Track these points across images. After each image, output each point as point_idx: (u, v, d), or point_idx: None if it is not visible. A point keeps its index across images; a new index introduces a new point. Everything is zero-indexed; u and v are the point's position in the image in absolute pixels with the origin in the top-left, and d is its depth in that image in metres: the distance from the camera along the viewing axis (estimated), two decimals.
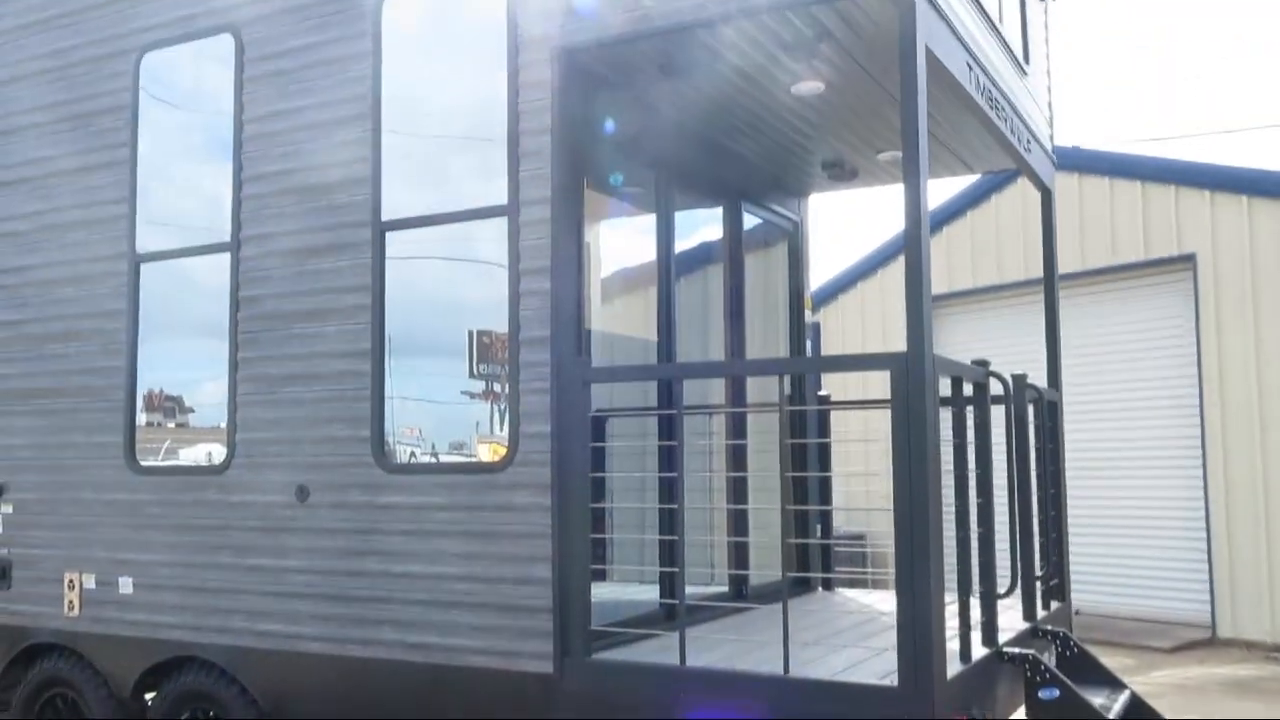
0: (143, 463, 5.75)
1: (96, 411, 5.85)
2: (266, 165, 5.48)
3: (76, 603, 5.78)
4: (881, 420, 4.35)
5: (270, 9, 5.52)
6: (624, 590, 5.87)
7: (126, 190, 5.90)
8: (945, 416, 4.50)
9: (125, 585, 5.65)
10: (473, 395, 5.18)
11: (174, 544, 5.54)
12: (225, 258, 5.56)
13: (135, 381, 5.80)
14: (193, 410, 5.94)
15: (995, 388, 5.17)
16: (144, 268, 5.84)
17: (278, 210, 5.43)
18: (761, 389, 6.70)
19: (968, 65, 5.01)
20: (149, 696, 5.66)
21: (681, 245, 6.52)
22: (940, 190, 13.97)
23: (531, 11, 4.86)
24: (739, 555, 6.43)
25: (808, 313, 7.79)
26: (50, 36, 6.23)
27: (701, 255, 7.00)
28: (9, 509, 6.06)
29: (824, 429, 6.89)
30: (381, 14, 5.23)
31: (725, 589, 6.39)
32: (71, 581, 5.81)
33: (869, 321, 14.95)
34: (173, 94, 5.94)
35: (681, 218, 6.48)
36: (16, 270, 6.22)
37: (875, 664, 4.51)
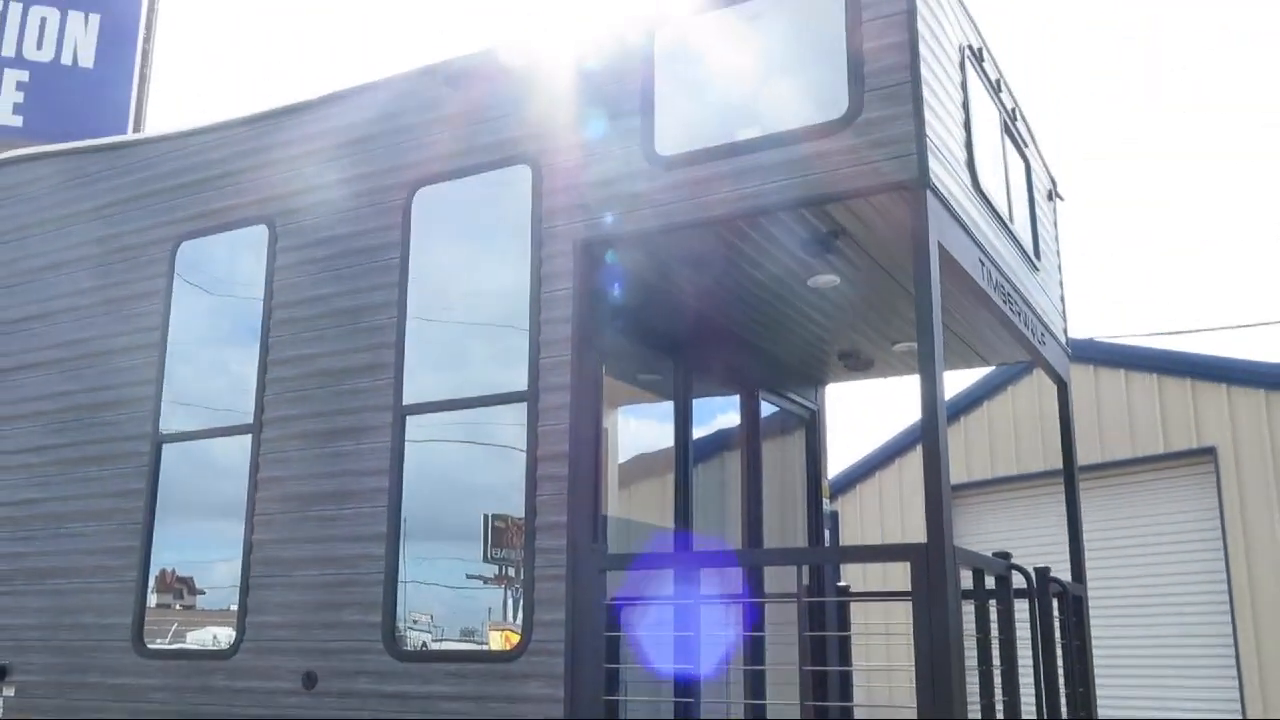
0: (150, 645, 5.65)
1: (108, 592, 5.80)
2: (292, 349, 5.60)
3: None
4: (903, 613, 4.27)
5: (305, 201, 5.75)
6: None
7: (154, 372, 6.01)
8: (968, 610, 4.41)
9: None
10: (486, 580, 5.12)
11: None
12: (247, 439, 5.61)
13: (149, 562, 5.76)
14: (203, 592, 5.88)
15: (1018, 581, 5.08)
16: (165, 448, 5.90)
17: (301, 393, 5.52)
18: (779, 578, 6.60)
19: (980, 261, 5.14)
20: None
21: (699, 432, 6.56)
22: (956, 380, 14.06)
23: (555, 205, 5.05)
24: None
25: (825, 501, 7.74)
26: (95, 225, 6.49)
27: (719, 442, 7.02)
28: (11, 692, 5.93)
29: (844, 621, 6.73)
30: (411, 206, 5.43)
31: None
32: None
33: (888, 511, 14.80)
34: (205, 280, 6.13)
35: (699, 405, 6.54)
36: (41, 449, 6.28)
37: None
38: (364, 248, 5.53)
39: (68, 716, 5.72)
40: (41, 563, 6.08)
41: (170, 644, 5.70)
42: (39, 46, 14.36)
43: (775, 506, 7.23)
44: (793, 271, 5.60)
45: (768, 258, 5.40)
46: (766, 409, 7.22)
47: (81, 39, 14.50)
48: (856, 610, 6.99)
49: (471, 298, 5.35)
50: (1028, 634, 5.23)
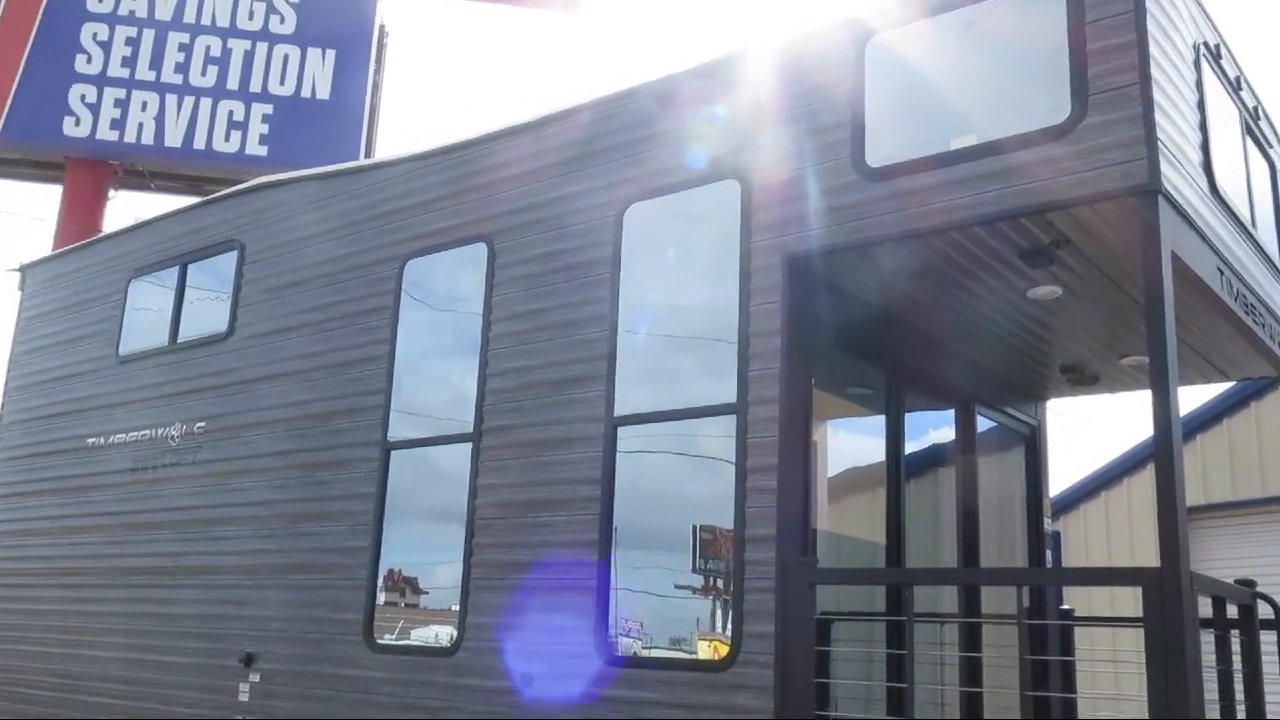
0: (379, 640, 5.96)
1: (341, 589, 6.16)
2: (510, 362, 5.81)
3: None
4: (1132, 640, 4.05)
5: (521, 220, 5.97)
6: None
7: (384, 383, 6.35)
8: (1206, 640, 4.14)
9: None
10: (694, 591, 5.16)
11: None
12: (467, 448, 5.85)
13: (378, 561, 6.08)
14: (426, 592, 6.16)
15: (1264, 611, 4.73)
16: (394, 455, 6.22)
17: (518, 404, 5.72)
18: (998, 599, 6.37)
19: (1218, 269, 4.83)
20: None
21: (912, 447, 6.42)
22: (1192, 396, 13.23)
23: (764, 219, 5.06)
24: None
25: (1047, 520, 7.41)
26: (331, 245, 6.93)
27: (932, 457, 6.84)
28: (256, 678, 6.38)
29: (1067, 646, 6.44)
30: (623, 222, 5.55)
31: None
32: None
33: (1115, 533, 14.03)
34: (430, 296, 6.44)
35: (912, 419, 6.40)
36: (281, 454, 6.74)
37: None
38: (577, 263, 5.68)
39: (302, 707, 6.10)
40: (281, 559, 6.52)
41: (397, 640, 6.00)
42: (281, 82, 15.51)
43: (993, 525, 6.98)
44: (1011, 283, 5.40)
45: (984, 269, 5.23)
46: (983, 424, 6.98)
47: (319, 74, 15.56)
48: (1081, 635, 6.68)
49: (681, 311, 5.42)
50: (1275, 669, 4.86)
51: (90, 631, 7.47)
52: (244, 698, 6.39)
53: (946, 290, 5.54)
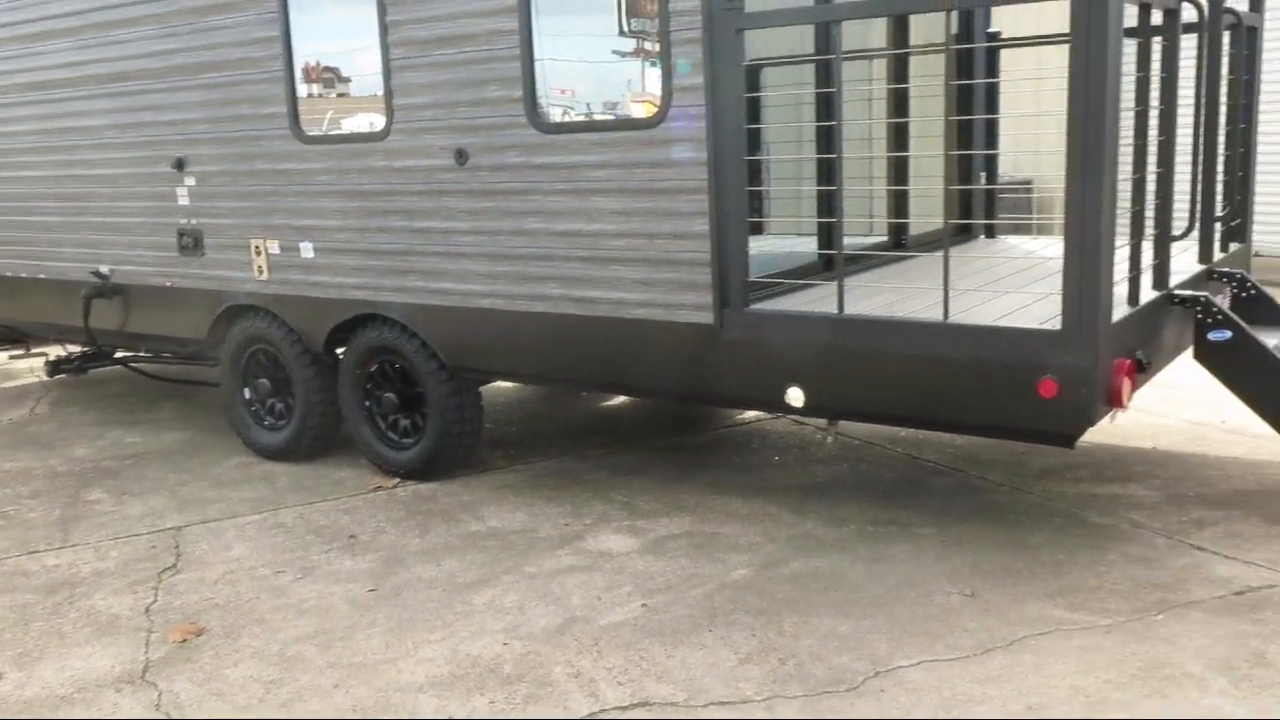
0: (309, 132, 5.89)
1: (259, 83, 5.96)
2: None
3: (265, 267, 6.17)
4: (1057, 58, 4.07)
5: None
6: (782, 243, 5.91)
7: None
8: (1129, 49, 4.17)
9: (306, 250, 5.97)
10: (624, 54, 5.06)
11: (346, 210, 5.77)
12: None
13: (292, 52, 5.83)
14: (350, 79, 5.98)
15: (1188, 14, 4.73)
16: None
17: None
18: (928, 30, 6.31)
19: None
20: (339, 351, 6.13)
21: None
22: None
23: None
24: (899, 205, 6.33)
25: None
26: None
27: None
28: (193, 181, 6.37)
29: (992, 69, 6.52)
30: None
31: (884, 239, 6.34)
32: (258, 248, 6.17)
33: None
34: None
35: None
36: None
37: (1038, 309, 4.48)
38: None
39: (243, 206, 6.15)
40: (190, 59, 6.21)
41: (327, 130, 5.92)
42: None
43: None
44: None
45: None
46: None
47: None
48: (1007, 57, 6.76)
49: None
50: (1191, 73, 4.96)
51: (17, 151, 7.31)
52: (183, 201, 6.42)
53: None
